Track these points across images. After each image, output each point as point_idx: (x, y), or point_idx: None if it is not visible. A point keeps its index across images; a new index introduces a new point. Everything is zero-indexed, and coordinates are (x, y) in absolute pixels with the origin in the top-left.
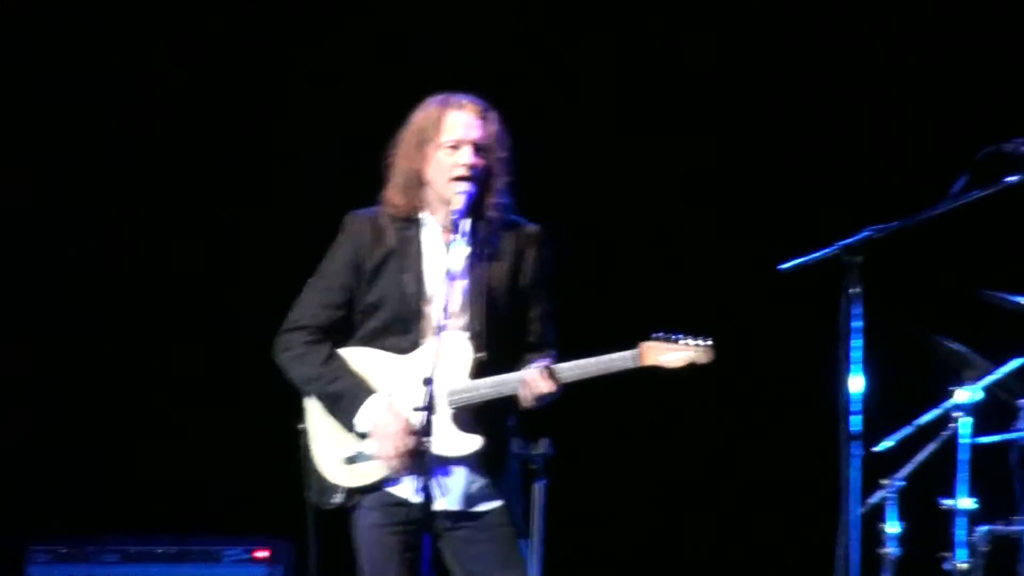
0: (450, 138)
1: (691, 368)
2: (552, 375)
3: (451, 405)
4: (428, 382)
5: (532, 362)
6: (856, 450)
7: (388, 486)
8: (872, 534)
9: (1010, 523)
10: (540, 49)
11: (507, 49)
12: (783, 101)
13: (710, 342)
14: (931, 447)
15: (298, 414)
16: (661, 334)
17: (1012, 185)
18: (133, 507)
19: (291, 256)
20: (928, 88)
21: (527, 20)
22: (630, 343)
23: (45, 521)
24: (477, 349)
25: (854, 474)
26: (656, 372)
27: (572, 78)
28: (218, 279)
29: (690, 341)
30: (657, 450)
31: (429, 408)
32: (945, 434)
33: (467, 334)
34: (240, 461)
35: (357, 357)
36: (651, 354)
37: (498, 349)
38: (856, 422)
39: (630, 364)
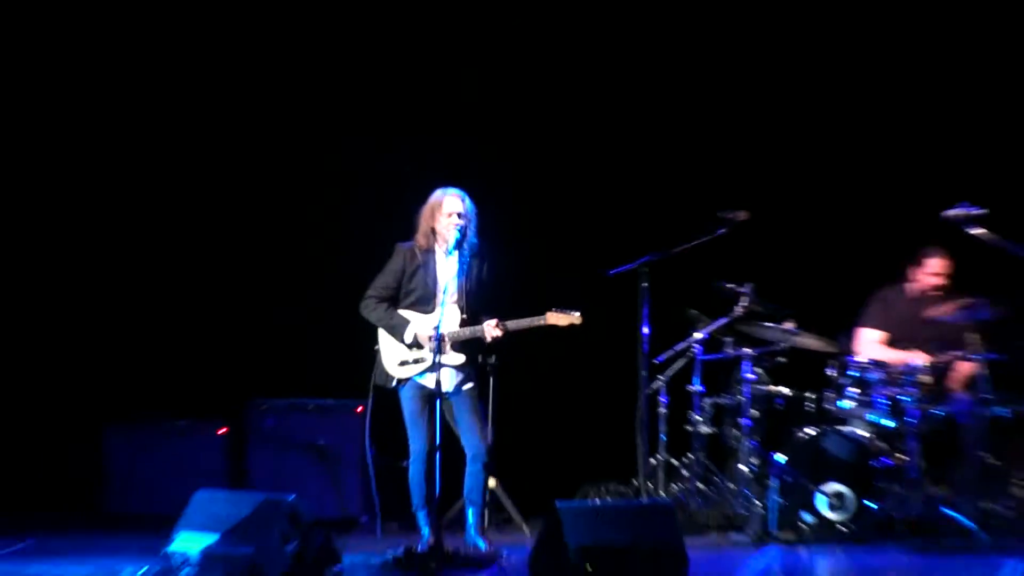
0: (448, 211)
1: (570, 326)
2: (502, 327)
3: (450, 339)
4: (437, 330)
5: (485, 320)
6: (645, 362)
7: (418, 377)
8: (654, 407)
9: (723, 397)
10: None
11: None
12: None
13: (579, 312)
14: (682, 360)
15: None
16: (557, 308)
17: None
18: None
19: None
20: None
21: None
22: (540, 311)
23: (116, 406)
24: (462, 314)
25: (644, 375)
26: (553, 329)
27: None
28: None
29: (572, 312)
30: (547, 366)
31: (439, 341)
32: (689, 353)
33: (457, 308)
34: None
35: (405, 313)
36: (552, 318)
37: (471, 314)
38: (645, 346)
39: (542, 323)
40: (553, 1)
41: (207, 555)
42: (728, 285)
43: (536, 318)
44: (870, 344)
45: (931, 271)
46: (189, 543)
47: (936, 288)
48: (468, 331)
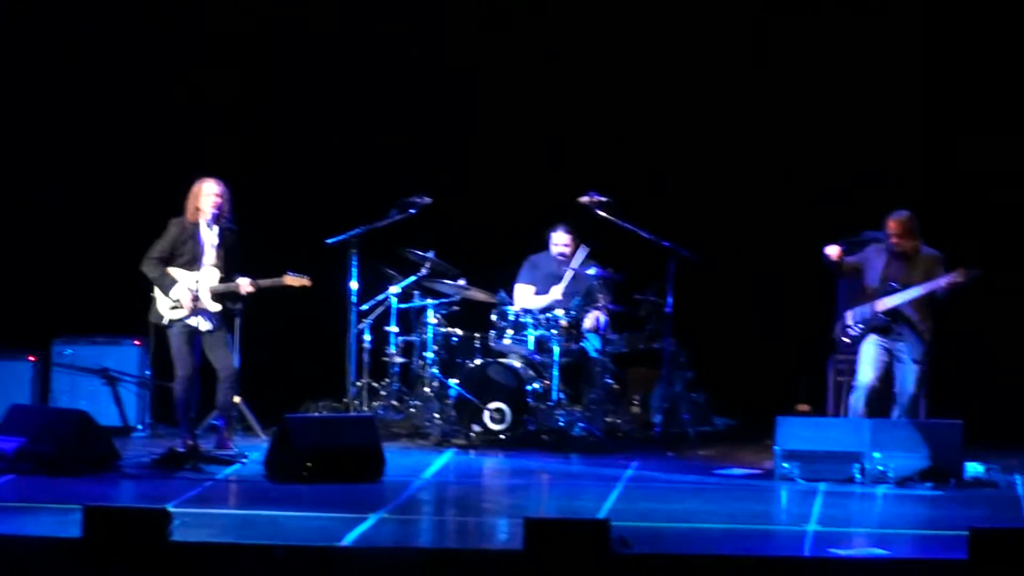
0: (209, 193)
1: (303, 287)
2: (254, 284)
3: (211, 292)
4: (195, 288)
5: (239, 278)
6: (354, 309)
7: (185, 319)
8: (360, 343)
9: (412, 336)
10: None
11: None
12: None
13: (308, 277)
14: (381, 308)
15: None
16: (293, 272)
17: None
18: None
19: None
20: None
21: None
22: (281, 273)
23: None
24: (220, 272)
25: (353, 319)
26: (290, 288)
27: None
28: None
29: (303, 276)
30: (281, 312)
31: (195, 297)
32: (386, 303)
33: (216, 268)
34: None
35: (174, 272)
36: (288, 279)
37: (226, 273)
38: (354, 297)
39: (283, 283)
40: None
41: (18, 452)
42: (415, 252)
43: (277, 279)
44: (524, 296)
45: (557, 243)
46: (5, 444)
47: (563, 255)
48: (223, 287)
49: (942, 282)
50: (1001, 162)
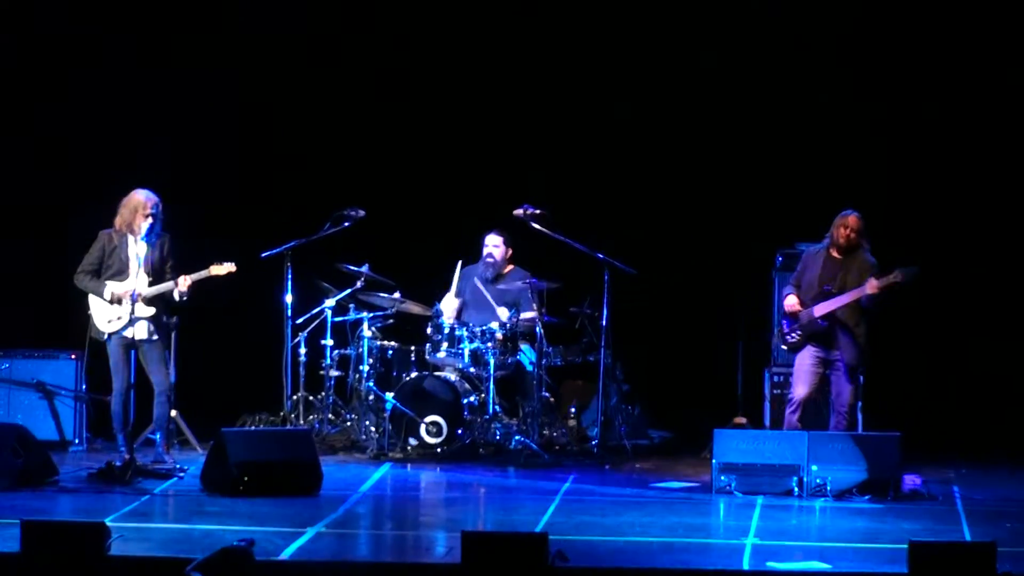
0: (145, 210)
1: (228, 274)
2: (186, 280)
3: (142, 298)
4: (134, 293)
5: (173, 278)
6: (289, 322)
7: (122, 331)
8: (296, 356)
9: (348, 349)
10: None
11: None
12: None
13: (233, 263)
14: (316, 321)
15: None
16: (216, 262)
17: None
18: None
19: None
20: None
21: None
22: (206, 266)
23: None
24: (148, 277)
25: (289, 332)
26: (215, 278)
27: None
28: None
29: (228, 263)
30: (216, 325)
31: (134, 298)
32: (322, 316)
33: (146, 275)
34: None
35: (106, 281)
36: (214, 269)
37: (156, 278)
38: (289, 311)
39: (208, 275)
40: None
41: None
42: (350, 266)
43: (204, 271)
44: (448, 308)
45: (488, 244)
46: None
47: (492, 256)
48: (156, 288)
49: (881, 283)
50: (936, 172)
